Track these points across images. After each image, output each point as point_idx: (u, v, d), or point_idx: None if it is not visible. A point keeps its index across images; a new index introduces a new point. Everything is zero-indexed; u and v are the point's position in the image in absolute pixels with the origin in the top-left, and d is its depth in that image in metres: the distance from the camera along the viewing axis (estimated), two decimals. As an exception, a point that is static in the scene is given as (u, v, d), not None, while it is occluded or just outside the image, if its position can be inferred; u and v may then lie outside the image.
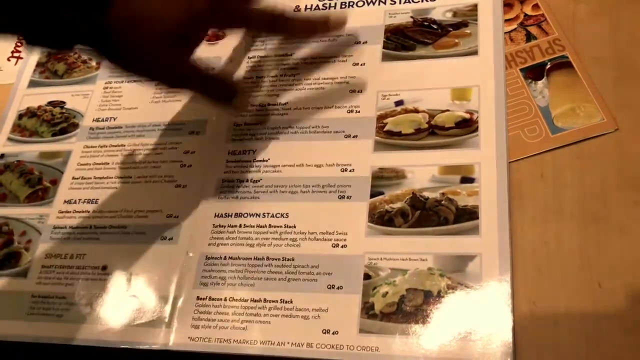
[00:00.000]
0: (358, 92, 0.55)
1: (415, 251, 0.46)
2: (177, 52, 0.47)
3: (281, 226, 0.50)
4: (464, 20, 0.56)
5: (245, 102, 0.55)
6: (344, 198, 0.50)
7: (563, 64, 0.52)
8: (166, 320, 0.48)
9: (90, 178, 0.58)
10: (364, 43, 0.57)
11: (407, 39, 0.56)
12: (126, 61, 0.46)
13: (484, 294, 0.43)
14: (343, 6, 0.60)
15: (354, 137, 0.52)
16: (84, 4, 0.42)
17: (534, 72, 0.52)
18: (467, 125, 0.50)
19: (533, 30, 0.54)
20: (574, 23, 0.53)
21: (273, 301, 0.47)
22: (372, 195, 0.49)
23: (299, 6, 0.62)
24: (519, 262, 0.44)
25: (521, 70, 0.52)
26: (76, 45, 0.45)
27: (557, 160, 0.48)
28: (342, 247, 0.48)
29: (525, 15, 0.55)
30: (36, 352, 0.51)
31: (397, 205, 0.48)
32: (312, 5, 0.61)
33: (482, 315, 0.42)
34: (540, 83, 0.51)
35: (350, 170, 0.51)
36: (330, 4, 0.61)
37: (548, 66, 0.52)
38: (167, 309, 0.48)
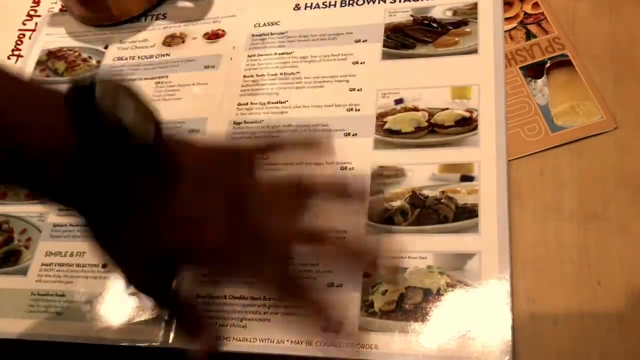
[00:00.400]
0: (358, 90, 0.55)
1: (414, 249, 0.46)
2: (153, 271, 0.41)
3: (281, 224, 0.50)
4: (464, 18, 0.56)
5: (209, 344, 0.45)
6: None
7: (563, 63, 0.52)
8: (166, 318, 0.48)
9: (90, 176, 0.58)
10: (364, 41, 0.57)
11: (407, 37, 0.56)
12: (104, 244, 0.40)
13: (483, 292, 0.43)
14: (343, 4, 0.60)
15: (353, 135, 0.53)
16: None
17: (534, 71, 0.52)
18: (467, 124, 0.50)
19: (533, 28, 0.54)
20: (574, 22, 0.53)
21: (273, 299, 0.47)
22: (372, 194, 0.49)
23: (299, 4, 0.62)
24: (518, 260, 0.44)
25: (521, 68, 0.52)
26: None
27: (556, 158, 0.48)
28: (341, 245, 0.48)
29: (525, 13, 0.55)
30: (36, 349, 0.51)
31: (397, 203, 0.48)
32: (312, 3, 0.61)
33: (481, 313, 0.42)
34: (540, 81, 0.51)
35: (350, 169, 0.51)
36: (330, 2, 0.61)
37: (548, 65, 0.52)
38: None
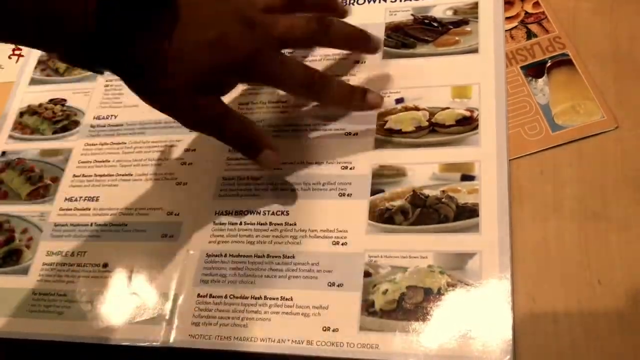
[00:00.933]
0: (358, 89, 0.55)
1: (415, 249, 0.46)
2: (202, 97, 0.46)
3: (281, 224, 0.50)
4: (465, 18, 0.56)
5: (274, 160, 0.49)
6: (344, 196, 0.50)
7: (563, 62, 0.52)
8: (167, 317, 0.48)
9: (91, 176, 0.58)
10: (364, 41, 0.57)
11: (408, 36, 0.56)
12: (149, 97, 0.46)
13: (484, 291, 0.43)
14: (344, 3, 0.60)
15: (354, 134, 0.53)
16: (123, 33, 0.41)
17: (535, 70, 0.52)
18: (468, 123, 0.50)
19: (534, 28, 0.54)
20: (575, 21, 0.53)
21: (273, 298, 0.47)
22: (373, 193, 0.49)
23: None
24: (518, 259, 0.44)
25: (522, 68, 0.52)
26: (107, 70, 0.44)
27: (557, 158, 0.48)
28: (342, 244, 0.48)
29: (526, 13, 0.55)
30: (37, 349, 0.51)
31: (398, 203, 0.48)
32: (312, 3, 0.61)
33: (482, 312, 0.42)
34: (540, 81, 0.51)
35: (350, 168, 0.51)
36: None
37: (548, 64, 0.52)
38: (168, 306, 0.49)
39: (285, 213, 0.51)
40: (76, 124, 0.62)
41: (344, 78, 0.55)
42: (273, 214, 0.51)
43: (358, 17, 0.58)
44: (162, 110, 0.47)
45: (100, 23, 0.39)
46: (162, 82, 0.43)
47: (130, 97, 0.61)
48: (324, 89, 0.50)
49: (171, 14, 0.42)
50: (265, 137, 0.50)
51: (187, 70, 0.43)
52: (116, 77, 0.63)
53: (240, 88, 0.58)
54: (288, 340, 0.45)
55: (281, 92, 0.57)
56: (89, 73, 0.65)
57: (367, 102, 0.51)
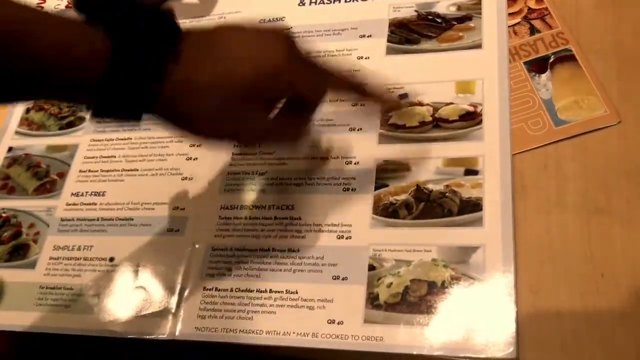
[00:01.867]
0: (363, 85, 0.55)
1: (419, 242, 0.46)
2: (249, 112, 0.42)
3: (286, 218, 0.51)
4: (468, 14, 0.56)
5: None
6: (348, 190, 0.50)
7: (566, 57, 0.52)
8: (173, 310, 0.49)
9: (97, 171, 0.59)
10: (368, 37, 0.58)
11: (412, 32, 0.57)
12: (195, 129, 0.42)
13: (488, 285, 0.44)
14: (347, 0, 0.61)
15: (358, 130, 0.53)
16: (140, 69, 0.38)
17: (538, 65, 0.52)
18: (471, 118, 0.50)
19: (537, 23, 0.54)
20: (578, 16, 0.54)
21: (279, 292, 0.47)
22: (377, 188, 0.50)
23: (303, 0, 0.62)
24: (522, 253, 0.45)
25: (525, 63, 0.53)
26: (144, 114, 0.40)
27: (560, 152, 0.48)
28: (346, 238, 0.48)
29: (529, 9, 0.55)
30: (44, 342, 0.52)
31: (402, 197, 0.49)
32: (316, -1, 0.62)
33: (485, 306, 0.43)
34: (543, 76, 0.52)
35: (354, 163, 0.51)
36: (335, -3, 0.61)
37: (551, 59, 0.52)
38: (174, 299, 0.49)
39: (290, 207, 0.51)
40: (82, 119, 0.63)
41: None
42: (278, 208, 0.51)
43: (362, 13, 0.59)
44: (211, 138, 0.43)
45: (115, 66, 0.37)
46: (196, 108, 0.40)
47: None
48: (364, 94, 0.47)
49: (187, 43, 0.40)
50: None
51: (221, 90, 0.40)
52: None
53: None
54: (293, 333, 0.45)
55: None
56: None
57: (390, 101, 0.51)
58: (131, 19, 0.38)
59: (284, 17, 0.62)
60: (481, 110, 0.50)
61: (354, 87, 0.46)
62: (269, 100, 0.43)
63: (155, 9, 0.40)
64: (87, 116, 0.40)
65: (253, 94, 0.40)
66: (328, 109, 0.54)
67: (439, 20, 0.57)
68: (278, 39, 0.42)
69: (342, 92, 0.47)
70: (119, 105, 0.39)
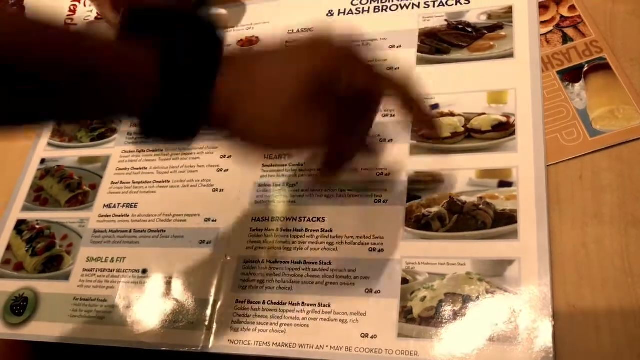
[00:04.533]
0: (393, 96, 0.55)
1: (453, 255, 0.46)
2: (309, 115, 0.39)
3: (318, 230, 0.51)
4: (499, 22, 0.56)
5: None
6: (380, 202, 0.50)
7: (601, 66, 0.51)
8: (206, 323, 0.49)
9: (129, 182, 0.59)
10: (398, 47, 0.57)
11: (442, 42, 0.56)
12: (258, 138, 0.40)
13: (524, 298, 0.43)
14: (377, 10, 0.60)
15: (389, 141, 0.53)
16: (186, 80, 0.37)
17: (571, 75, 0.51)
18: (504, 129, 0.50)
19: (569, 32, 0.54)
20: (612, 24, 0.53)
21: (311, 305, 0.47)
22: (409, 200, 0.49)
23: (332, 10, 0.62)
24: (558, 265, 0.44)
25: (558, 72, 0.52)
26: (200, 130, 0.39)
27: (595, 163, 0.47)
28: (378, 251, 0.48)
29: (562, 16, 0.55)
30: (78, 353, 0.52)
31: (434, 209, 0.48)
32: (345, 9, 0.62)
33: (521, 319, 0.42)
34: (577, 85, 0.51)
35: (386, 174, 0.51)
36: (363, 8, 0.61)
37: (585, 68, 0.51)
38: (207, 312, 0.49)
39: (321, 219, 0.51)
40: (113, 131, 0.63)
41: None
42: (309, 220, 0.51)
43: (391, 23, 0.59)
44: (277, 147, 0.43)
45: (166, 79, 0.36)
46: (253, 117, 0.39)
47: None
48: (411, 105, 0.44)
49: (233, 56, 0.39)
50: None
51: (275, 95, 0.39)
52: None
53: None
54: (327, 346, 0.45)
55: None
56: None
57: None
58: (176, 30, 0.37)
59: (312, 28, 0.62)
60: (514, 121, 0.50)
61: (406, 94, 0.43)
62: (328, 98, 0.40)
63: (196, 17, 0.39)
64: (139, 137, 0.38)
65: (311, 92, 0.38)
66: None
67: (469, 29, 0.56)
68: (326, 37, 0.41)
69: (396, 97, 0.43)
70: (172, 122, 0.38)
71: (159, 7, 0.38)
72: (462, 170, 0.49)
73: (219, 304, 0.49)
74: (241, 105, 0.38)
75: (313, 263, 0.49)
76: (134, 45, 0.36)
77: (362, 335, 0.45)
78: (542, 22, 0.55)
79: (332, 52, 0.40)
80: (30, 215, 0.60)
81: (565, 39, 0.53)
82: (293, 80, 0.39)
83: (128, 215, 0.57)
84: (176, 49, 0.36)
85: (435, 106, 0.53)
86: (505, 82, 0.52)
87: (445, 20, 0.58)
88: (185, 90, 0.36)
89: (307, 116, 0.39)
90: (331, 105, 0.40)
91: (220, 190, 0.55)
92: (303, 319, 0.47)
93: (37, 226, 0.59)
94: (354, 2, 0.62)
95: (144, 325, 0.51)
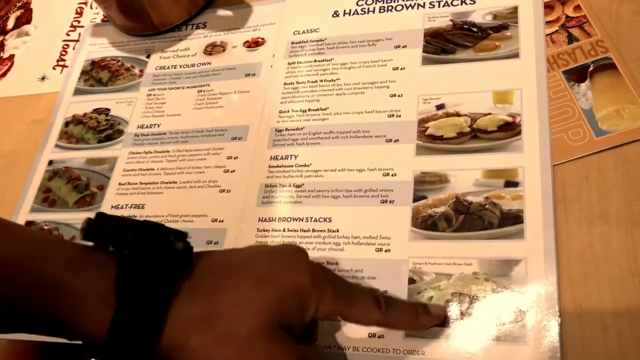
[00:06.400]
0: (398, 96, 0.55)
1: (459, 255, 0.46)
2: (279, 343, 0.36)
3: (324, 230, 0.51)
4: (505, 22, 0.56)
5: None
6: (386, 202, 0.50)
7: (606, 66, 0.51)
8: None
9: (136, 184, 0.59)
10: (403, 47, 0.58)
11: (447, 42, 0.56)
12: None
13: (530, 298, 0.43)
14: (382, 10, 0.61)
15: (395, 141, 0.53)
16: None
17: (577, 75, 0.52)
18: (510, 129, 0.50)
19: (575, 32, 0.54)
20: (617, 23, 0.53)
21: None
22: (415, 200, 0.49)
23: (337, 11, 0.62)
24: (564, 265, 0.44)
25: (563, 72, 0.52)
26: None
27: (601, 163, 0.47)
28: (385, 251, 0.48)
29: (567, 16, 0.55)
30: (83, 353, 0.53)
31: (441, 209, 0.48)
32: (350, 10, 0.62)
33: (528, 319, 0.42)
34: (583, 85, 0.51)
35: (392, 175, 0.51)
36: (369, 8, 0.61)
37: (591, 68, 0.51)
38: (215, 312, 0.49)
39: (327, 220, 0.51)
40: (120, 132, 0.64)
41: (384, 85, 0.56)
42: (316, 220, 0.51)
43: (397, 23, 0.59)
44: None
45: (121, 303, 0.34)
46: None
47: (172, 106, 0.63)
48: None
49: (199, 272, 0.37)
50: None
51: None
52: (158, 87, 0.65)
53: (280, 95, 0.59)
54: (334, 346, 0.45)
55: (322, 99, 0.57)
56: (132, 82, 0.67)
57: (432, 314, 0.43)
58: (139, 248, 0.35)
59: (318, 29, 0.62)
60: (520, 121, 0.50)
61: (378, 309, 0.40)
62: (295, 326, 0.38)
63: (166, 232, 0.37)
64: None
65: (274, 327, 0.36)
66: (365, 120, 0.54)
67: (474, 29, 0.56)
68: (297, 255, 0.40)
69: (365, 313, 0.40)
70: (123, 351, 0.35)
71: (125, 219, 0.37)
72: (468, 171, 0.49)
73: (227, 304, 0.50)
74: (195, 337, 0.35)
75: (320, 263, 0.49)
76: (88, 272, 0.35)
77: (370, 335, 0.45)
78: (547, 22, 0.55)
79: (304, 279, 0.38)
80: (39, 217, 0.61)
81: (571, 39, 0.53)
82: (256, 315, 0.36)
83: (136, 216, 0.57)
84: (131, 281, 0.34)
85: (441, 106, 0.53)
86: (511, 82, 0.52)
87: (451, 20, 0.58)
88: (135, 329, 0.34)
89: (264, 356, 0.36)
90: (292, 342, 0.37)
91: (227, 191, 0.56)
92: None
93: (46, 227, 0.60)
94: (359, 3, 0.62)
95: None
